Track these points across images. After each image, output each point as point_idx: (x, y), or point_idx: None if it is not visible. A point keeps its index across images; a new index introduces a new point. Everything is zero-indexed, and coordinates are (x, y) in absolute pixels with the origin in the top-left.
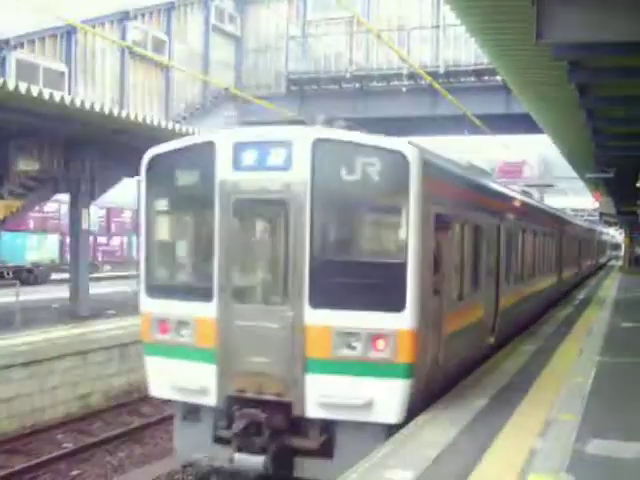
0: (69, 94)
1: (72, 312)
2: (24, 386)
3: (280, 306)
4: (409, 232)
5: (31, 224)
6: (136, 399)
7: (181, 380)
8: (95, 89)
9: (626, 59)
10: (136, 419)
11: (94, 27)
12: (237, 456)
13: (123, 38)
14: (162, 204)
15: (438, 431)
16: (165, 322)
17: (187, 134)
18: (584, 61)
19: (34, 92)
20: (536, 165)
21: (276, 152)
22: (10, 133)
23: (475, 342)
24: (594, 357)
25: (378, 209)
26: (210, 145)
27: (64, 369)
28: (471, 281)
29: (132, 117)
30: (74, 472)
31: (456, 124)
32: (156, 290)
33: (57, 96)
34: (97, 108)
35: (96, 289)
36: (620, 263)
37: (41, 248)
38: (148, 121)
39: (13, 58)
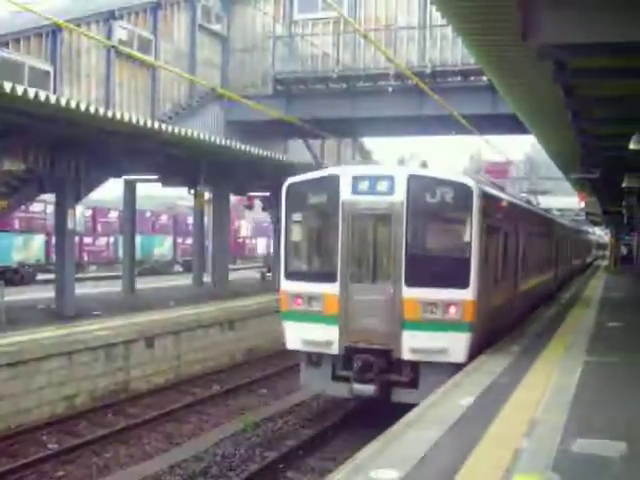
0: (54, 93)
1: (58, 312)
2: (9, 386)
3: (385, 285)
4: (472, 237)
5: (17, 224)
6: (122, 400)
7: (310, 336)
8: (80, 88)
9: (611, 60)
10: (122, 420)
11: (80, 26)
12: (355, 386)
13: (109, 37)
14: (297, 216)
15: (424, 430)
16: (299, 297)
17: (172, 134)
18: (569, 62)
19: (19, 91)
20: (522, 165)
21: (382, 183)
22: None
23: (504, 313)
24: (580, 356)
25: (451, 221)
26: (336, 177)
27: (50, 369)
28: (503, 271)
29: (118, 117)
30: (59, 473)
31: (443, 124)
32: (292, 275)
33: (42, 95)
34: (83, 108)
35: (82, 289)
36: (605, 263)
37: (27, 248)
38: (134, 121)
39: None
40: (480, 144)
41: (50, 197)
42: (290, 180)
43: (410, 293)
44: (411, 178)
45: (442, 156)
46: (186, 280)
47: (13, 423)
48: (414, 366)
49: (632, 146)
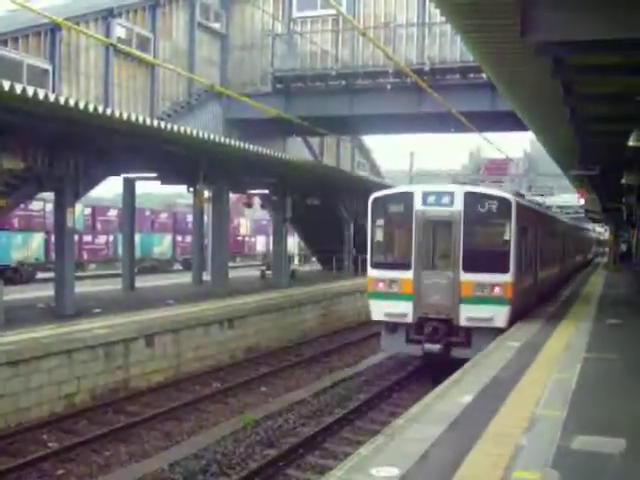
0: (53, 92)
1: (58, 311)
2: (9, 385)
3: (447, 272)
4: (511, 236)
5: (16, 223)
6: (122, 398)
7: (390, 310)
8: (79, 87)
9: (609, 57)
10: (122, 418)
11: (78, 24)
12: (426, 346)
13: (108, 35)
14: (380, 222)
15: (424, 428)
16: (381, 281)
17: (171, 132)
18: (568, 58)
19: (18, 90)
20: (521, 162)
21: (445, 197)
22: None
23: (530, 294)
24: (580, 353)
25: (495, 225)
26: (411, 193)
27: (49, 368)
28: (529, 262)
29: (117, 115)
30: (59, 472)
31: (442, 121)
32: (376, 265)
33: (41, 94)
34: (81, 106)
35: (82, 288)
36: (605, 260)
37: (26, 247)
38: (133, 119)
39: None
40: (479, 141)
41: (49, 195)
42: (375, 194)
43: (466, 277)
44: (467, 194)
45: (441, 153)
46: (186, 278)
47: (13, 422)
48: (468, 331)
49: (631, 143)
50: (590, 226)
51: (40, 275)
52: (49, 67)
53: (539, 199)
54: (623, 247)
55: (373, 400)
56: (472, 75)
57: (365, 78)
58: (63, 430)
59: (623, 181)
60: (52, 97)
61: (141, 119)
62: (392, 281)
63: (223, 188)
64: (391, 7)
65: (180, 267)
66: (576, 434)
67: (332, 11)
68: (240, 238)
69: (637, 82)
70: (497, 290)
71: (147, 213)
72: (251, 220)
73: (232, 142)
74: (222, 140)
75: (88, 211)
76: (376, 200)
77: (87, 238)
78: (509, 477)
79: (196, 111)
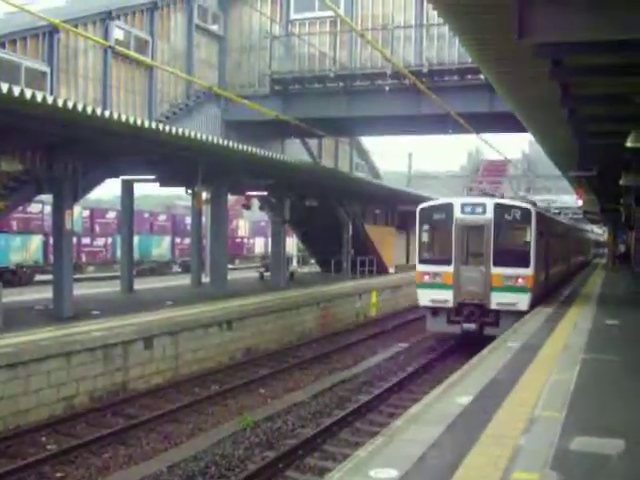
0: (51, 94)
1: (56, 313)
2: (8, 388)
3: (480, 267)
4: (531, 238)
5: (14, 225)
6: (121, 400)
7: (434, 297)
8: (77, 89)
9: (607, 58)
10: (121, 420)
11: (76, 27)
12: (464, 325)
13: (106, 38)
14: (426, 227)
15: (422, 429)
16: (427, 274)
17: (169, 134)
18: (565, 60)
19: (16, 92)
20: (519, 163)
21: (479, 207)
22: None
23: (544, 285)
24: (578, 354)
25: (519, 229)
26: (451, 204)
27: (48, 370)
28: (544, 259)
29: (115, 117)
30: (58, 474)
31: (440, 123)
32: (423, 261)
33: (39, 96)
34: (79, 108)
35: (80, 290)
36: (604, 261)
37: (25, 249)
38: (131, 121)
39: None
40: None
41: (48, 198)
42: (421, 205)
43: (496, 270)
44: (496, 205)
45: (440, 155)
46: (184, 280)
47: (12, 424)
48: (497, 313)
49: (629, 144)
50: (589, 227)
51: (39, 277)
52: (47, 69)
53: (538, 199)
54: (621, 248)
55: (372, 402)
56: (470, 76)
57: (363, 80)
58: (62, 432)
59: (621, 182)
60: (50, 99)
61: (139, 121)
62: (436, 274)
63: (221, 190)
64: (389, 9)
65: (179, 269)
66: (575, 435)
67: (330, 13)
68: (239, 240)
69: (635, 83)
70: (520, 281)
71: (146, 215)
72: (250, 222)
73: (230, 144)
74: (220, 142)
75: (86, 213)
76: (423, 209)
77: (85, 240)
78: (508, 478)
79: (194, 113)
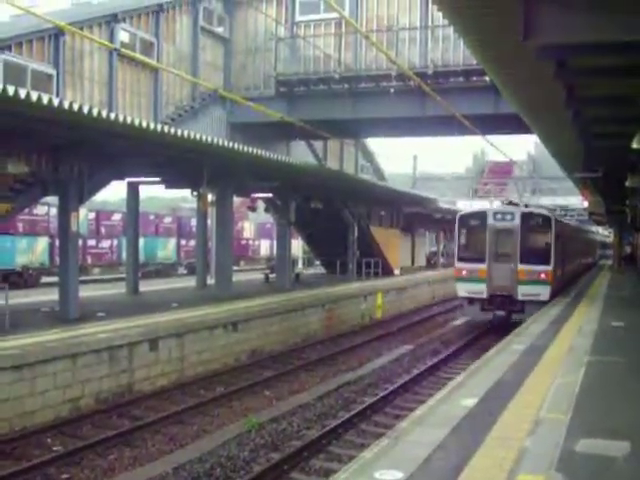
0: (57, 96)
1: (62, 315)
2: (14, 389)
3: (510, 264)
4: (551, 240)
5: (20, 227)
6: (126, 402)
7: (470, 289)
8: (83, 91)
9: (612, 59)
10: (126, 422)
11: (82, 29)
12: (496, 312)
13: (112, 40)
14: (464, 231)
15: (428, 431)
16: (465, 270)
17: (175, 136)
18: (570, 61)
19: (22, 95)
20: (525, 165)
21: (508, 215)
22: None
23: (561, 280)
24: (584, 356)
25: (541, 233)
26: (485, 212)
27: (54, 372)
28: (561, 258)
29: (120, 120)
30: (64, 476)
31: (445, 124)
32: (461, 259)
33: (45, 99)
34: (85, 111)
35: (86, 292)
36: (609, 262)
37: (31, 251)
38: (137, 123)
39: (1, 60)
40: (483, 144)
41: (53, 200)
42: (460, 213)
43: (522, 267)
44: (522, 213)
45: (445, 156)
46: (190, 282)
47: (18, 426)
48: (523, 302)
49: (635, 145)
50: (594, 229)
51: (45, 279)
52: (53, 72)
53: (543, 200)
54: (627, 250)
55: (377, 403)
56: (475, 78)
57: (368, 81)
58: (67, 434)
59: (627, 184)
60: (56, 102)
61: (145, 123)
62: (472, 270)
63: (227, 192)
64: (394, 10)
65: (184, 271)
66: (580, 437)
67: (335, 15)
68: (244, 242)
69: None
70: (542, 276)
71: (151, 217)
72: (255, 224)
73: (236, 146)
74: (226, 144)
75: (92, 215)
76: (461, 217)
77: (91, 242)
78: None
79: (200, 115)
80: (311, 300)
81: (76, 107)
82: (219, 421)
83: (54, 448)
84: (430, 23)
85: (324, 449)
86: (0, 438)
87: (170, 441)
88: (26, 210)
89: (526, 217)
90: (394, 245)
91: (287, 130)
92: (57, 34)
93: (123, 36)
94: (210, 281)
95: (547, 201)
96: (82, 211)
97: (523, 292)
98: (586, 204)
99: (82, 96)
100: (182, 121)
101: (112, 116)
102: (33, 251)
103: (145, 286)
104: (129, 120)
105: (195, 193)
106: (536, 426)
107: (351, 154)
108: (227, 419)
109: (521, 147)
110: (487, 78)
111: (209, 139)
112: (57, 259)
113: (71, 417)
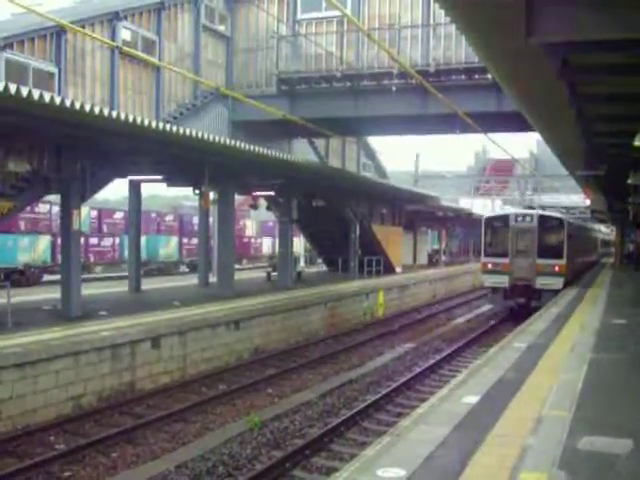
0: (59, 95)
1: (64, 313)
2: (16, 387)
3: (529, 259)
4: (564, 239)
5: (22, 225)
6: (128, 400)
7: (495, 280)
8: (85, 89)
9: (615, 57)
10: (128, 419)
11: (84, 27)
12: (518, 299)
13: (113, 38)
14: (490, 231)
15: (430, 429)
16: (490, 264)
17: (177, 134)
18: (573, 59)
19: (24, 93)
20: (527, 163)
21: (527, 217)
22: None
23: (572, 272)
24: (586, 353)
25: (555, 232)
26: (508, 215)
27: (56, 370)
28: (572, 254)
29: (122, 118)
30: (66, 473)
31: (447, 122)
32: (487, 255)
33: (47, 97)
34: (87, 109)
35: (88, 290)
36: (611, 260)
37: (33, 249)
38: (138, 121)
39: (2, 58)
40: (485, 142)
41: (55, 198)
42: (486, 216)
43: (539, 261)
44: (540, 216)
45: (447, 154)
46: (192, 280)
47: (20, 424)
48: (540, 291)
49: (637, 143)
50: (597, 227)
51: (47, 277)
52: (55, 70)
53: (545, 198)
54: (630, 247)
55: (379, 401)
56: (477, 76)
57: (370, 79)
58: (70, 432)
59: (629, 181)
60: (58, 100)
61: (146, 121)
62: (496, 264)
63: (229, 190)
64: (396, 8)
65: (186, 269)
66: (583, 435)
67: (337, 13)
68: (246, 240)
69: None
70: (557, 268)
71: (153, 215)
72: (257, 222)
73: (238, 144)
74: (228, 142)
75: (94, 213)
76: (487, 219)
77: (93, 240)
78: (516, 478)
79: (202, 113)
80: (313, 298)
81: (78, 105)
82: (221, 419)
83: (56, 446)
84: (432, 21)
85: (326, 447)
86: (3, 436)
87: (172, 439)
88: (28, 208)
89: (543, 219)
90: (396, 243)
91: (289, 128)
92: (59, 32)
93: (125, 34)
94: (212, 279)
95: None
96: (84, 209)
97: (540, 282)
98: (588, 202)
99: (84, 94)
100: (184, 119)
101: (114, 114)
102: (35, 249)
103: (147, 284)
104: (131, 118)
105: (197, 191)
106: (538, 424)
107: (353, 152)
108: (229, 417)
109: (523, 145)
110: (489, 76)
111: (211, 137)
112: (59, 257)
113: (73, 415)
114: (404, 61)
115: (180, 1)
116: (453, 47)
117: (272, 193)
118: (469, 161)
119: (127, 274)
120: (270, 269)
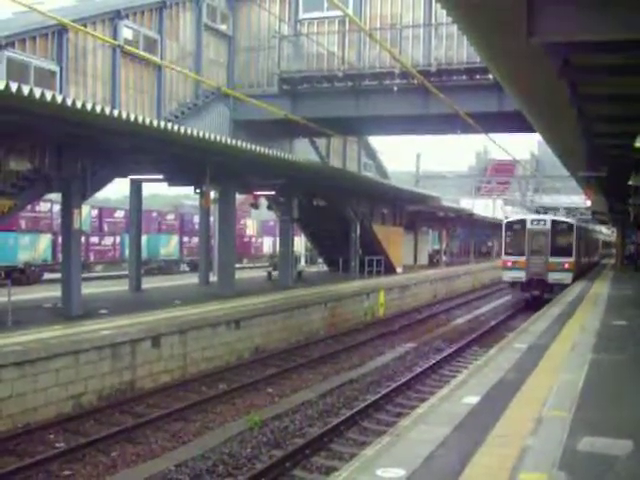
0: (60, 93)
1: (64, 312)
2: (16, 386)
3: (542, 257)
4: (573, 240)
5: (23, 224)
6: (129, 398)
7: (513, 275)
8: (87, 88)
9: (616, 57)
10: (129, 418)
11: (85, 26)
12: (533, 292)
13: (115, 37)
14: (509, 233)
15: (430, 429)
16: (509, 261)
17: (178, 133)
18: (574, 59)
19: (25, 92)
20: (528, 164)
21: (542, 222)
22: (1, 133)
23: (579, 269)
24: (586, 354)
25: (564, 235)
26: (525, 219)
27: (56, 369)
28: (579, 253)
29: (123, 116)
30: (66, 472)
31: (448, 122)
32: (506, 253)
33: (48, 95)
34: (88, 107)
35: (88, 289)
36: (612, 262)
37: (33, 248)
38: (140, 120)
39: (4, 57)
40: (486, 143)
41: (56, 197)
42: (506, 220)
43: (551, 259)
44: (552, 220)
45: (448, 155)
46: (192, 279)
47: (20, 422)
48: (552, 285)
49: (638, 144)
50: (598, 228)
51: (47, 276)
52: (56, 69)
53: (546, 199)
54: (631, 248)
55: (379, 401)
56: (479, 76)
57: (371, 79)
58: (70, 431)
59: (630, 183)
60: (59, 98)
61: (148, 120)
62: (515, 261)
63: (230, 189)
64: (397, 8)
65: (187, 268)
66: (583, 435)
67: (339, 12)
68: (247, 239)
69: None
70: (566, 265)
71: (154, 214)
72: (258, 221)
73: (239, 143)
74: (229, 141)
75: (95, 212)
76: (507, 223)
77: (94, 239)
78: (515, 478)
79: (203, 112)
80: (314, 298)
81: (79, 104)
82: (221, 418)
83: (57, 445)
84: (434, 21)
85: (326, 447)
86: (3, 435)
87: (172, 438)
88: (29, 207)
89: (555, 223)
90: (397, 243)
91: (290, 127)
92: (60, 31)
93: (126, 33)
94: (213, 278)
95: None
96: (85, 208)
97: (552, 277)
98: (589, 203)
99: (85, 93)
100: (185, 118)
101: (115, 113)
102: (36, 248)
103: (148, 283)
104: (132, 117)
105: (198, 190)
106: (539, 424)
107: (354, 152)
108: (229, 416)
109: (524, 146)
110: (491, 76)
111: (212, 136)
112: (60, 256)
113: (74, 414)
114: (406, 61)
115: (182, 0)
116: (455, 47)
117: (273, 192)
118: (470, 161)
119: (127, 273)
120: (271, 268)
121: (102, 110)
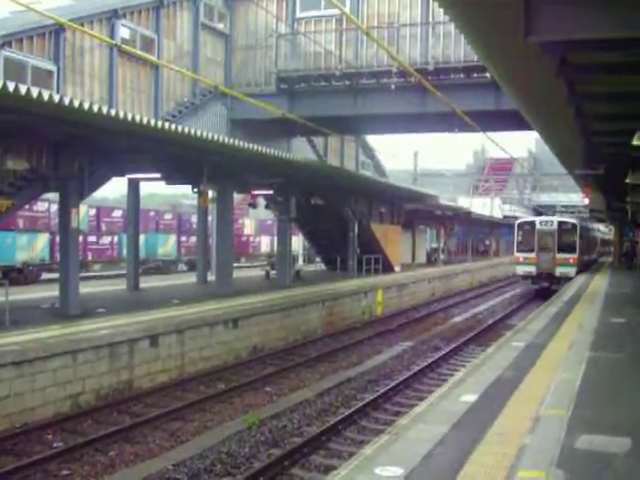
0: (58, 93)
1: (62, 311)
2: (14, 385)
3: (551, 253)
4: (576, 238)
5: (21, 223)
6: (126, 398)
7: (525, 270)
8: (84, 88)
9: (614, 55)
10: (126, 418)
11: (83, 25)
12: (542, 284)
13: (112, 36)
14: (520, 233)
15: (428, 427)
16: (522, 257)
17: (175, 132)
18: (572, 58)
19: (22, 91)
20: (525, 162)
21: (549, 222)
22: None
23: (582, 263)
24: (584, 352)
25: (569, 234)
26: (534, 221)
27: (54, 368)
28: (582, 249)
29: (121, 116)
30: (64, 472)
31: (446, 121)
32: (519, 251)
33: (45, 95)
34: (86, 107)
35: (86, 288)
36: (610, 260)
37: (31, 247)
38: (137, 120)
39: (1, 56)
40: (484, 141)
41: (54, 196)
42: (518, 221)
43: (558, 255)
44: (559, 221)
45: (445, 153)
46: (190, 278)
47: (18, 422)
48: (559, 278)
49: (635, 142)
50: (595, 226)
51: (45, 276)
52: (53, 68)
53: (543, 198)
54: (628, 246)
55: (377, 400)
56: (476, 74)
57: (369, 78)
58: (68, 430)
59: (628, 180)
60: (56, 98)
61: (145, 120)
62: (526, 257)
63: (227, 188)
64: (395, 7)
65: (185, 267)
66: (581, 433)
67: (336, 11)
68: (244, 238)
69: None
70: (571, 260)
71: (151, 213)
72: (255, 220)
73: (236, 142)
74: (226, 140)
75: (93, 212)
76: (519, 223)
77: (92, 238)
78: (514, 476)
79: (200, 111)
80: (311, 297)
81: (76, 103)
82: (219, 417)
83: (54, 444)
84: (431, 20)
85: (324, 445)
86: (1, 434)
87: (170, 437)
88: (26, 206)
89: (561, 223)
90: (395, 242)
91: (288, 126)
92: (57, 30)
93: (123, 32)
94: (210, 278)
95: (547, 198)
96: (82, 207)
97: (559, 271)
98: (587, 201)
99: (82, 92)
100: (182, 117)
101: (112, 112)
102: (33, 247)
103: (145, 282)
104: (129, 116)
105: (196, 190)
106: (537, 422)
107: (352, 150)
108: (227, 415)
109: (522, 144)
110: (488, 75)
111: (210, 135)
112: (57, 255)
113: (72, 413)
114: (403, 59)
115: None
116: (452, 46)
117: (271, 192)
118: (468, 160)
119: (125, 272)
120: (269, 267)
121: (99, 109)
